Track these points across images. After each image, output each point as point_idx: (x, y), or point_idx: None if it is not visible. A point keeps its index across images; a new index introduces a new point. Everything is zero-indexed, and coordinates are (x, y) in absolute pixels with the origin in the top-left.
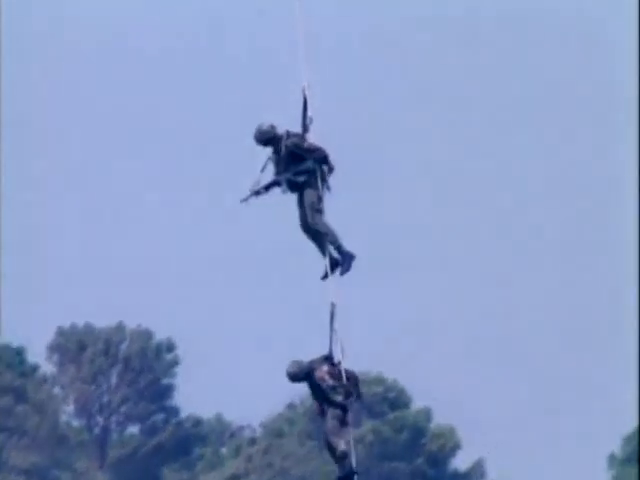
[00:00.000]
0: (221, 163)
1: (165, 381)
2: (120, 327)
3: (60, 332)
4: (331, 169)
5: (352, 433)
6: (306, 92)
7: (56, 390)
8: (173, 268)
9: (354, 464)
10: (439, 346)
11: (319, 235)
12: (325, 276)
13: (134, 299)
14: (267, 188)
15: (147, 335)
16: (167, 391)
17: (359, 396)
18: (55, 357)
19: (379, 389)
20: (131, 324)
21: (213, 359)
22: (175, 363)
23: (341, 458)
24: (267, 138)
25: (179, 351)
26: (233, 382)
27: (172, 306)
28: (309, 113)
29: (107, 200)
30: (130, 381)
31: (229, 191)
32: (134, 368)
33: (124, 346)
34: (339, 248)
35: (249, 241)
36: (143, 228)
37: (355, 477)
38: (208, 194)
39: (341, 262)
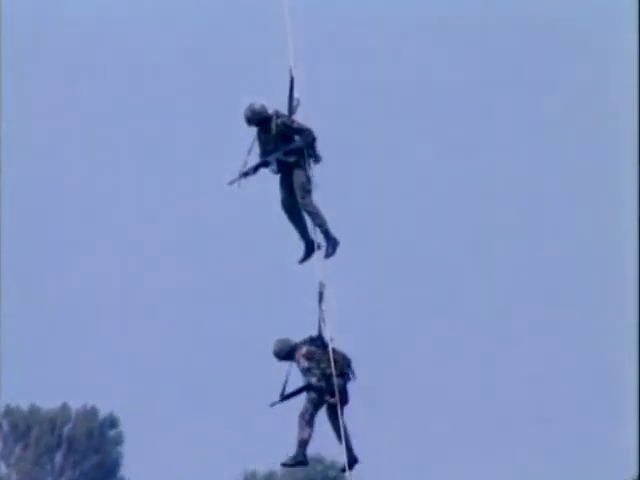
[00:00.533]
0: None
1: (110, 459)
2: (65, 407)
3: (7, 411)
4: (318, 159)
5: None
6: (293, 73)
7: (2, 469)
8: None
9: (343, 449)
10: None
11: (302, 217)
12: (303, 259)
13: (78, 375)
14: (255, 169)
15: (92, 413)
16: (112, 470)
17: (348, 377)
18: (1, 436)
19: (319, 468)
20: (76, 403)
21: (157, 436)
22: (120, 440)
23: (299, 445)
24: (259, 118)
25: (123, 427)
26: (177, 462)
27: (115, 379)
28: (296, 94)
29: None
30: (75, 462)
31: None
32: (78, 449)
33: (69, 427)
34: (326, 232)
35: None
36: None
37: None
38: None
39: (326, 246)
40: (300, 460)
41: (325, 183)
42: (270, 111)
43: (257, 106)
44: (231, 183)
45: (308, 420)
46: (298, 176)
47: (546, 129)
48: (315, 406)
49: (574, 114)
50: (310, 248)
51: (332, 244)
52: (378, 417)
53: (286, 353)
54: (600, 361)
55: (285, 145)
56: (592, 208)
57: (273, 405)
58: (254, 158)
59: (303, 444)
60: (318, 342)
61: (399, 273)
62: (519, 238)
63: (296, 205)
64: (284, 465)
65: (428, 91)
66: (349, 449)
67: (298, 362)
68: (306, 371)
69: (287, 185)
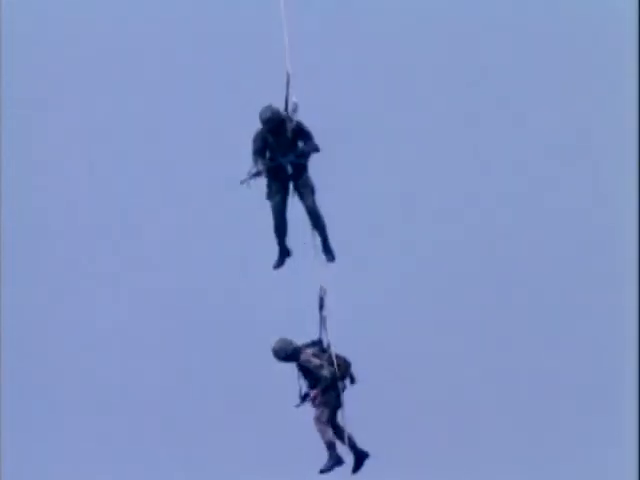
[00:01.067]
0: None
1: None
2: None
3: None
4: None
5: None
6: (290, 77)
7: None
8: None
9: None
10: None
11: (287, 223)
12: (278, 265)
13: None
14: (269, 170)
15: None
16: None
17: (352, 380)
18: None
19: None
20: None
21: None
22: None
23: (329, 447)
24: (279, 118)
25: None
26: None
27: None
28: (294, 99)
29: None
30: None
31: None
32: None
33: None
34: (326, 239)
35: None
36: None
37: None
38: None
39: (325, 255)
40: (336, 461)
41: (328, 183)
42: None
43: (275, 107)
44: (242, 182)
45: (325, 421)
46: (308, 179)
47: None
48: (326, 403)
49: (573, 113)
50: (285, 254)
51: (330, 253)
52: (378, 420)
53: (287, 354)
54: (600, 362)
55: (296, 148)
56: (591, 209)
57: (299, 406)
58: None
59: (332, 446)
60: (319, 347)
61: (402, 277)
62: (524, 241)
63: (286, 210)
64: (322, 471)
65: (427, 89)
66: (354, 447)
67: (309, 361)
68: (318, 367)
69: (284, 189)
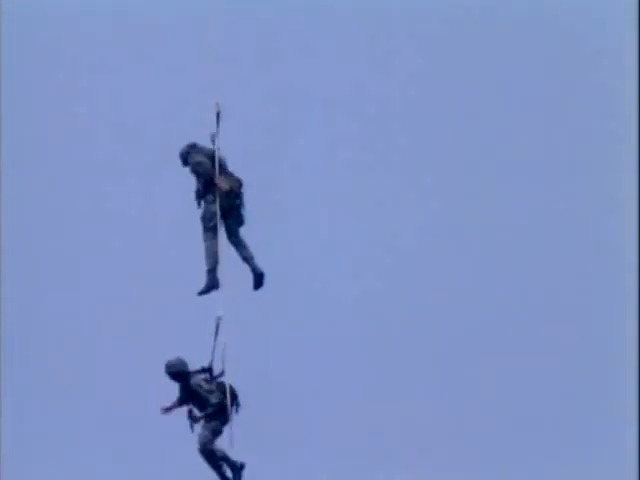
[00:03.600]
0: None
1: None
2: None
3: None
4: None
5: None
6: (219, 108)
7: None
8: None
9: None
10: None
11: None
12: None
13: None
14: None
15: None
16: None
17: (238, 407)
18: None
19: None
20: None
21: None
22: None
23: (225, 462)
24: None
25: None
26: None
27: None
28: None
29: None
30: None
31: None
32: None
33: None
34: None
35: None
36: None
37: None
38: None
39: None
40: (240, 465)
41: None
42: None
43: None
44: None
45: (213, 441)
46: None
47: (542, 131)
48: (213, 432)
49: (572, 112)
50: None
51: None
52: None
53: (177, 372)
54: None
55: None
56: (591, 209)
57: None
58: None
59: (226, 458)
60: (208, 374)
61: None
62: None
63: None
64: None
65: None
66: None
67: (199, 385)
68: (208, 392)
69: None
